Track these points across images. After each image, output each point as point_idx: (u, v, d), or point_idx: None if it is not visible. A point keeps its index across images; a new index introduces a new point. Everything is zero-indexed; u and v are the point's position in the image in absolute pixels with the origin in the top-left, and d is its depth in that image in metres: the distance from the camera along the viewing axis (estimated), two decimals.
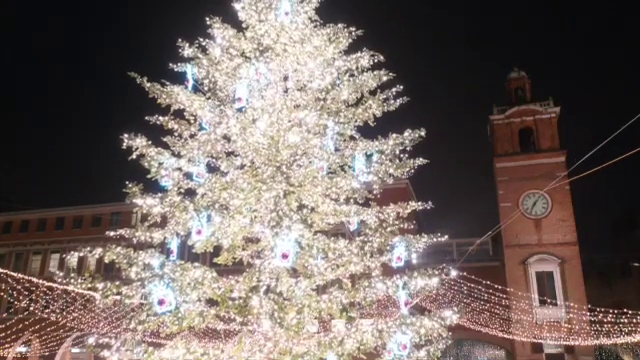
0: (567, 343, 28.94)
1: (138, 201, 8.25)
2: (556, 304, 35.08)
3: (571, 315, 27.45)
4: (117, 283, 7.88)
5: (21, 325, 29.99)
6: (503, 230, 39.04)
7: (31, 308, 25.83)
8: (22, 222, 50.50)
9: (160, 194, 8.34)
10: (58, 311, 26.63)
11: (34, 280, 25.23)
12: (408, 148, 9.49)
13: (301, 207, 8.83)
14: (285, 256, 7.39)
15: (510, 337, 28.20)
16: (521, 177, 38.40)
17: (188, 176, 9.60)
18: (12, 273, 24.26)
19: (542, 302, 35.18)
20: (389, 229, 8.50)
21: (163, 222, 9.62)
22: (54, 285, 25.45)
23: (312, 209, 8.83)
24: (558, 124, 39.62)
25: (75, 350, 42.59)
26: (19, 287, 23.87)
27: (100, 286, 7.87)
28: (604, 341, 23.59)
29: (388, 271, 9.62)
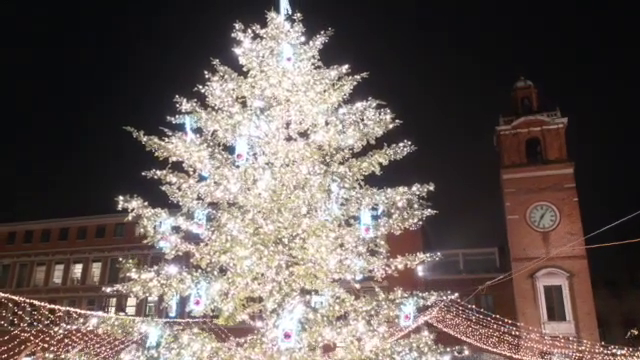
0: None
1: (133, 275, 7.89)
2: (565, 318, 34.60)
3: (583, 345, 26.98)
4: None
5: (23, 346, 29.76)
6: (510, 242, 38.58)
7: (32, 335, 25.55)
8: (26, 233, 50.42)
9: (156, 267, 7.98)
10: (60, 338, 26.31)
11: (36, 303, 24.87)
12: (415, 205, 9.13)
13: (304, 292, 8.44)
14: (288, 336, 7.01)
15: (519, 357, 27.74)
16: (528, 189, 37.79)
17: (186, 237, 9.26)
18: (13, 297, 23.92)
19: (550, 317, 34.69)
20: (397, 301, 8.10)
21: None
22: (56, 307, 25.15)
23: (316, 291, 8.47)
24: (566, 134, 39.02)
25: None
26: (20, 312, 23.58)
27: None
28: None
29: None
